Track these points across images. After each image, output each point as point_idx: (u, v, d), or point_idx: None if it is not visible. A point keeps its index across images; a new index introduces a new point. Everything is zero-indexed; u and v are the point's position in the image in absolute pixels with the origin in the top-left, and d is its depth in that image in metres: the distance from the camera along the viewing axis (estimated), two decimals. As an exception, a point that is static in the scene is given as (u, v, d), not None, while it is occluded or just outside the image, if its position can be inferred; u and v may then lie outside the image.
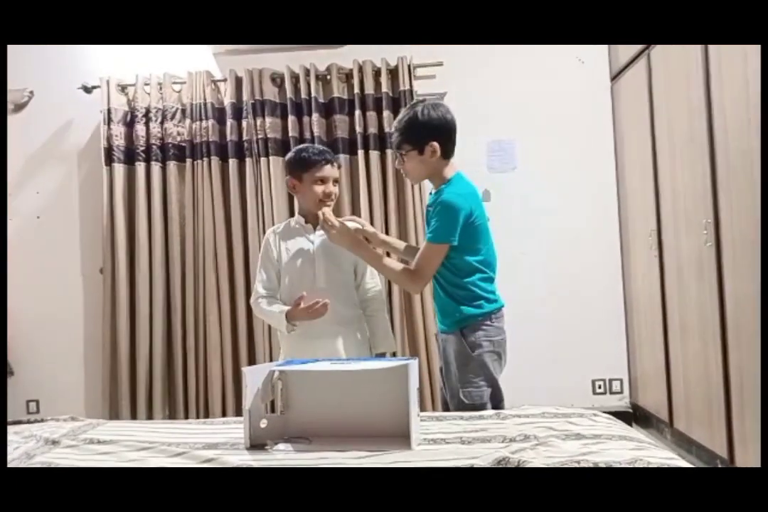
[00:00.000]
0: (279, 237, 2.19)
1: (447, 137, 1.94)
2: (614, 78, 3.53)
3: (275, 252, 2.17)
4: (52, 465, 1.39)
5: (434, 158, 1.94)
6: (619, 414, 2.08)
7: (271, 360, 3.31)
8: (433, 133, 1.92)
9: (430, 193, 2.05)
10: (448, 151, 1.96)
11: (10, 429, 1.73)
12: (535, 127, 3.56)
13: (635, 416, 3.42)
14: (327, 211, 2.06)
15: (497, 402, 1.97)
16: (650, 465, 1.26)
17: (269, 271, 2.17)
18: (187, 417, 3.36)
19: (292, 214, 3.37)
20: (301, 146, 2.22)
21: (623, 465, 1.26)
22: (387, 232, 3.36)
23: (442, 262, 1.97)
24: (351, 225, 2.10)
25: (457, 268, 1.96)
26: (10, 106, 3.63)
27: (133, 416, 3.35)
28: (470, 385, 1.96)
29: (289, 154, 2.20)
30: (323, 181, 2.10)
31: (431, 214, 1.95)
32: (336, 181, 2.15)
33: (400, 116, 2.00)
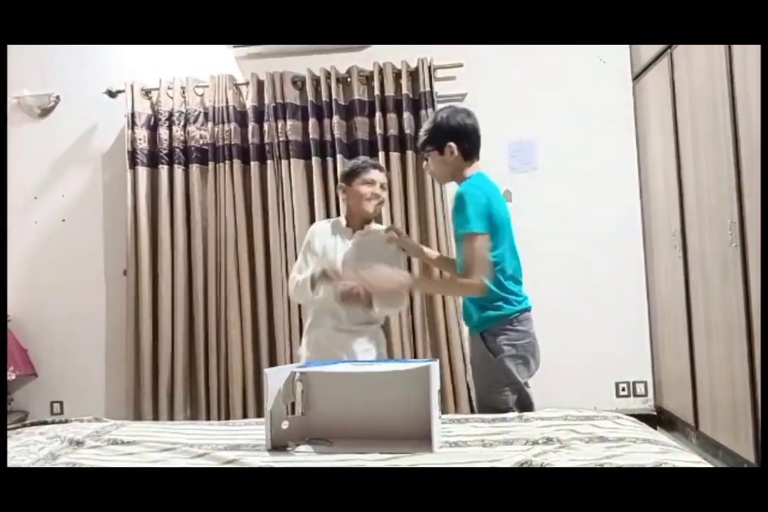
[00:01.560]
0: (322, 233, 2.30)
1: (464, 139, 2.02)
2: (636, 77, 3.49)
3: (317, 246, 2.26)
4: (77, 466, 1.41)
5: (453, 157, 2.03)
6: (643, 418, 2.05)
7: (291, 360, 3.32)
8: (450, 135, 2.01)
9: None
10: (467, 153, 2.03)
11: (36, 429, 1.76)
12: (556, 127, 3.53)
13: (660, 419, 3.37)
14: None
15: (525, 407, 1.95)
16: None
17: (307, 261, 2.25)
18: (208, 417, 3.38)
19: (312, 215, 3.40)
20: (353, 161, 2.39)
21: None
22: (408, 233, 3.36)
23: (459, 255, 1.97)
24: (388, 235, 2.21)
25: None
26: (36, 111, 3.69)
27: (155, 416, 3.38)
28: (494, 391, 1.96)
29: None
30: (370, 183, 2.23)
31: (454, 205, 1.97)
32: (383, 187, 2.27)
33: (426, 122, 2.12)
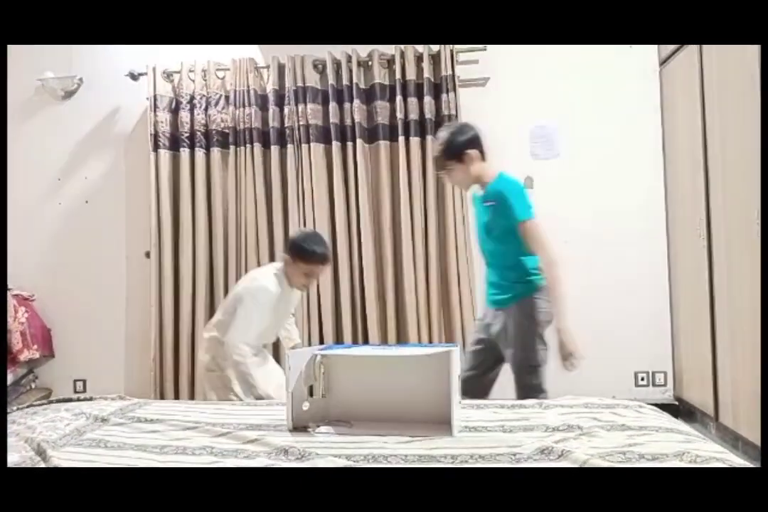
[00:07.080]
0: (276, 294, 2.39)
1: (478, 144, 2.27)
2: (663, 63, 3.42)
3: (273, 304, 2.39)
4: (102, 442, 1.43)
5: (474, 163, 2.25)
6: (662, 408, 2.03)
7: (309, 343, 3.34)
8: (467, 144, 2.25)
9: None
10: (484, 155, 2.28)
11: (61, 406, 1.79)
12: (579, 112, 3.48)
13: (678, 409, 3.35)
14: None
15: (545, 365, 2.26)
16: (698, 458, 1.23)
17: (262, 324, 2.39)
18: (228, 399, 3.41)
19: (332, 200, 3.41)
20: (310, 237, 2.47)
21: (670, 458, 1.24)
22: (426, 218, 3.40)
23: (498, 242, 2.25)
24: None
25: (511, 248, 2.23)
26: (60, 93, 3.71)
27: (177, 397, 3.43)
28: (540, 349, 2.23)
29: (299, 237, 2.48)
30: (313, 275, 2.43)
31: (503, 199, 2.18)
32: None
33: (437, 142, 2.34)
